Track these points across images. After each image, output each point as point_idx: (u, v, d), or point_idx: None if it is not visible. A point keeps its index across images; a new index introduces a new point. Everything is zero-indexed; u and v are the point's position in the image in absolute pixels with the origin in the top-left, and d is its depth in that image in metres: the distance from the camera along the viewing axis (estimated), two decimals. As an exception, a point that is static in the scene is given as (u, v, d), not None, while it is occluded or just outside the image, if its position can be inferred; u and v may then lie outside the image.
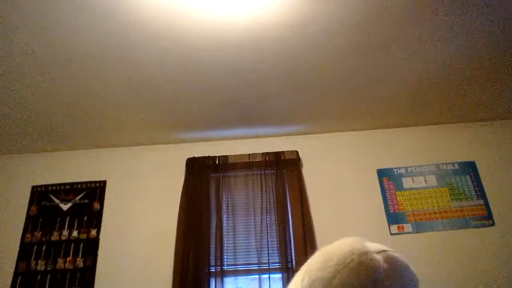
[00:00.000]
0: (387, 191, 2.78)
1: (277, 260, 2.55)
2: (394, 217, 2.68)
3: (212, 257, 2.55)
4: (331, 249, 0.59)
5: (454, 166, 2.85)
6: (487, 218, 2.66)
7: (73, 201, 2.81)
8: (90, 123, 2.64)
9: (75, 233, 2.68)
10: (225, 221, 2.71)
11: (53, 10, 1.65)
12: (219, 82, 2.28)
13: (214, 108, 2.56)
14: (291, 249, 2.59)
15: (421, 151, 2.92)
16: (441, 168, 2.85)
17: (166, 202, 2.80)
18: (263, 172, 2.83)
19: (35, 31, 1.77)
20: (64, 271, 2.55)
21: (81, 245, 2.65)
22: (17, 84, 2.15)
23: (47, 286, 2.51)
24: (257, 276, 2.53)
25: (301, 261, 2.49)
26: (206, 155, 2.89)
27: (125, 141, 2.95)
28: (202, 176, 2.79)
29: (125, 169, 2.94)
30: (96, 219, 2.73)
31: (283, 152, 2.87)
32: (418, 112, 2.81)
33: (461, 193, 2.75)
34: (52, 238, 2.67)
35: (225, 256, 2.60)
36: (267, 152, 2.87)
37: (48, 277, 2.54)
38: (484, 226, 2.63)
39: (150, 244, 2.66)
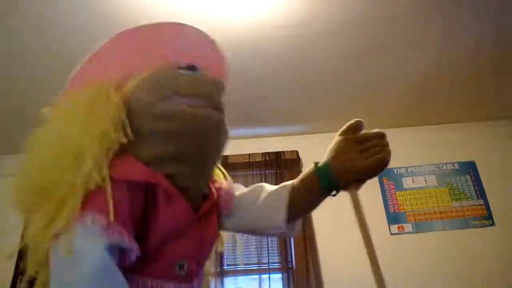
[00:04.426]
0: (387, 191, 2.78)
1: (277, 260, 2.55)
2: (394, 217, 2.68)
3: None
4: None
5: (454, 166, 2.85)
6: (487, 218, 2.65)
7: (73, 201, 2.80)
8: (90, 123, 2.63)
9: (75, 233, 2.68)
10: (225, 221, 2.71)
11: (54, 11, 1.65)
12: (219, 82, 2.27)
13: (214, 108, 2.56)
14: (291, 249, 2.59)
15: (421, 151, 2.92)
16: (441, 168, 2.85)
17: (166, 202, 2.79)
18: (263, 172, 2.83)
19: (36, 32, 1.77)
20: (64, 271, 2.55)
21: (81, 245, 2.64)
22: (17, 85, 2.15)
23: (47, 286, 2.50)
24: (257, 276, 2.52)
25: (301, 261, 2.49)
26: (206, 155, 2.88)
27: (125, 141, 2.95)
28: (202, 176, 2.78)
29: (125, 169, 2.94)
30: (96, 219, 2.73)
31: (283, 152, 2.86)
32: (418, 112, 2.81)
33: (461, 193, 2.75)
34: (52, 238, 2.66)
35: (225, 256, 2.60)
36: (267, 152, 2.87)
37: (48, 277, 2.53)
38: (484, 226, 2.63)
39: (150, 244, 2.66)
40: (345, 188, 0.72)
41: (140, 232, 0.61)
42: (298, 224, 0.81)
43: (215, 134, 0.70)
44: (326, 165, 0.71)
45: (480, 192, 2.74)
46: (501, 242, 2.57)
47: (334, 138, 0.72)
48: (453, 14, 1.84)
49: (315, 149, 2.98)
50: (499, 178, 2.79)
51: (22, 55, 1.91)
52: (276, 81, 2.29)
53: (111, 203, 0.55)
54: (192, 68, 0.73)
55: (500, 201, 2.70)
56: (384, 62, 2.18)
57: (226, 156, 2.84)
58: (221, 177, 0.85)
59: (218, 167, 0.86)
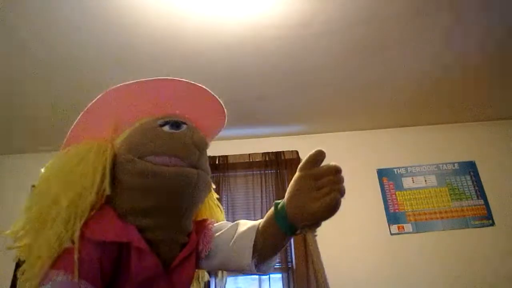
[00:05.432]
0: (387, 191, 2.78)
1: (277, 260, 2.55)
2: (394, 217, 2.68)
3: (212, 257, 2.55)
4: None
5: (454, 166, 2.85)
6: (487, 218, 2.65)
7: (73, 201, 2.80)
8: (90, 123, 2.63)
9: (75, 233, 2.68)
10: (225, 221, 2.71)
11: (54, 11, 1.65)
12: (219, 83, 2.27)
13: (214, 108, 2.56)
14: (291, 249, 2.59)
15: (421, 151, 2.92)
16: (441, 168, 2.85)
17: (166, 202, 2.79)
18: (263, 172, 2.83)
19: (36, 32, 1.76)
20: (64, 271, 2.55)
21: (81, 245, 2.64)
22: (17, 85, 2.14)
23: (47, 286, 2.50)
24: (257, 276, 2.52)
25: (301, 261, 2.49)
26: (206, 155, 2.88)
27: (125, 141, 2.95)
28: (202, 176, 2.78)
29: (125, 169, 2.93)
30: (96, 219, 2.72)
31: (283, 152, 2.86)
32: (418, 112, 2.81)
33: (461, 193, 2.75)
34: (52, 238, 2.66)
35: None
36: (267, 152, 2.87)
37: (48, 277, 2.53)
38: (484, 226, 2.63)
39: (150, 244, 2.65)
40: (302, 230, 0.67)
41: (114, 280, 0.66)
42: (273, 261, 0.79)
43: (190, 191, 0.73)
44: (284, 209, 0.67)
45: (480, 192, 2.74)
46: (501, 242, 2.57)
47: (296, 173, 0.67)
48: (453, 15, 1.84)
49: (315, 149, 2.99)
50: (499, 178, 2.79)
51: (22, 55, 1.91)
52: (276, 81, 2.29)
53: (76, 264, 0.59)
54: (176, 124, 0.75)
55: (500, 201, 2.70)
56: (384, 62, 2.18)
57: (226, 156, 2.85)
58: (216, 214, 0.90)
59: (215, 203, 0.92)
